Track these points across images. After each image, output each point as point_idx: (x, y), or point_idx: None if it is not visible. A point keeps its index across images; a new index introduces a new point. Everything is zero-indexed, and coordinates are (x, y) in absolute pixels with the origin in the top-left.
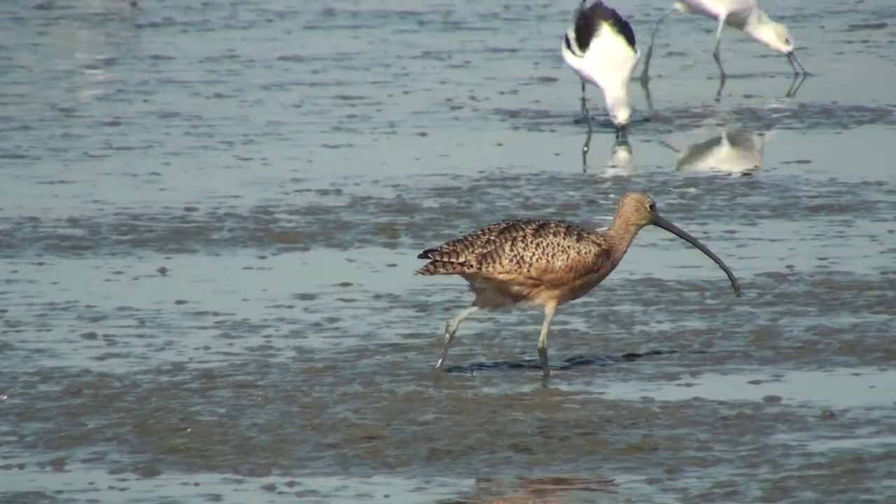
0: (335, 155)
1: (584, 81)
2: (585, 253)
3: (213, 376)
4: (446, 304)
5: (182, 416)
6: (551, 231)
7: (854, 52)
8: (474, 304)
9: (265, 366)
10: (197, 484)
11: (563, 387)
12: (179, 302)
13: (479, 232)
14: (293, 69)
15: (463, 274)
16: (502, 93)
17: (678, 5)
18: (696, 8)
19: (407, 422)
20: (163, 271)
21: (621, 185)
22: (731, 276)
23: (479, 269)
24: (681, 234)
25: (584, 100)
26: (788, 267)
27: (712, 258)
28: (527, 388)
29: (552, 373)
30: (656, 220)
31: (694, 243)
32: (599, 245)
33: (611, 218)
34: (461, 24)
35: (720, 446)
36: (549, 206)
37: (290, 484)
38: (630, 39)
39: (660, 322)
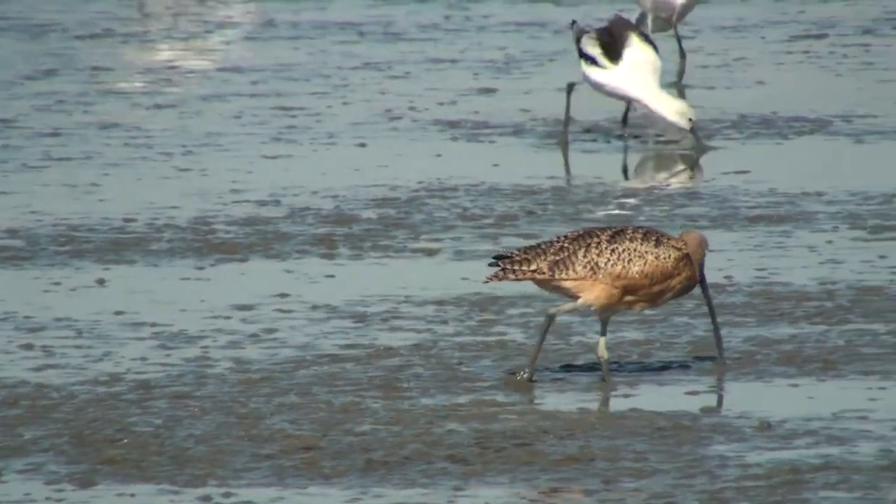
0: (274, 166)
1: (610, 95)
2: (665, 258)
3: (150, 387)
4: (384, 314)
5: (119, 426)
6: (628, 237)
7: (795, 63)
8: (602, 324)
9: (202, 377)
10: (133, 495)
11: (500, 397)
12: (117, 313)
13: (553, 239)
14: (232, 80)
15: (534, 280)
16: (442, 103)
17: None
18: (660, 3)
19: (343, 433)
20: (101, 282)
21: (560, 195)
22: (719, 344)
23: (552, 275)
24: (706, 292)
25: (567, 118)
26: (727, 277)
27: (713, 321)
28: (463, 399)
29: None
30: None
31: (708, 303)
32: (680, 250)
33: (550, 230)
34: (401, 34)
35: (657, 457)
36: (487, 216)
37: (226, 495)
38: (656, 49)
39: (597, 333)
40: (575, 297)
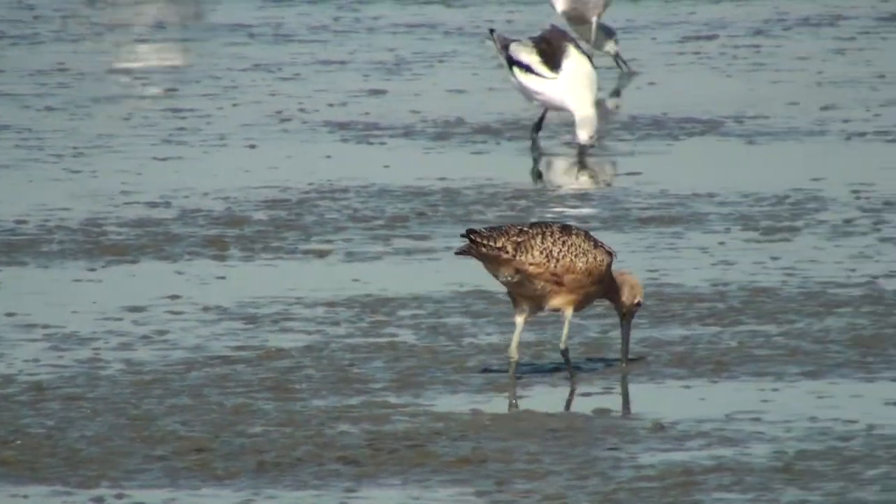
0: (165, 167)
1: (546, 106)
2: (600, 261)
3: (43, 388)
4: (275, 316)
5: (11, 428)
6: (573, 233)
7: (686, 64)
8: (517, 316)
9: (94, 378)
10: (26, 496)
11: (392, 399)
12: (9, 314)
13: (510, 225)
14: (123, 82)
15: (497, 260)
16: (332, 105)
17: (560, 8)
18: (579, 9)
19: (235, 434)
20: None
21: (451, 197)
22: (626, 352)
23: (515, 256)
24: (626, 338)
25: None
26: None
27: (624, 341)
28: (355, 401)
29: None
30: (630, 315)
31: (624, 336)
32: (611, 255)
33: (440, 231)
34: (291, 36)
35: (550, 458)
36: (378, 218)
37: (119, 496)
38: (592, 61)
39: (489, 334)
40: (530, 286)
